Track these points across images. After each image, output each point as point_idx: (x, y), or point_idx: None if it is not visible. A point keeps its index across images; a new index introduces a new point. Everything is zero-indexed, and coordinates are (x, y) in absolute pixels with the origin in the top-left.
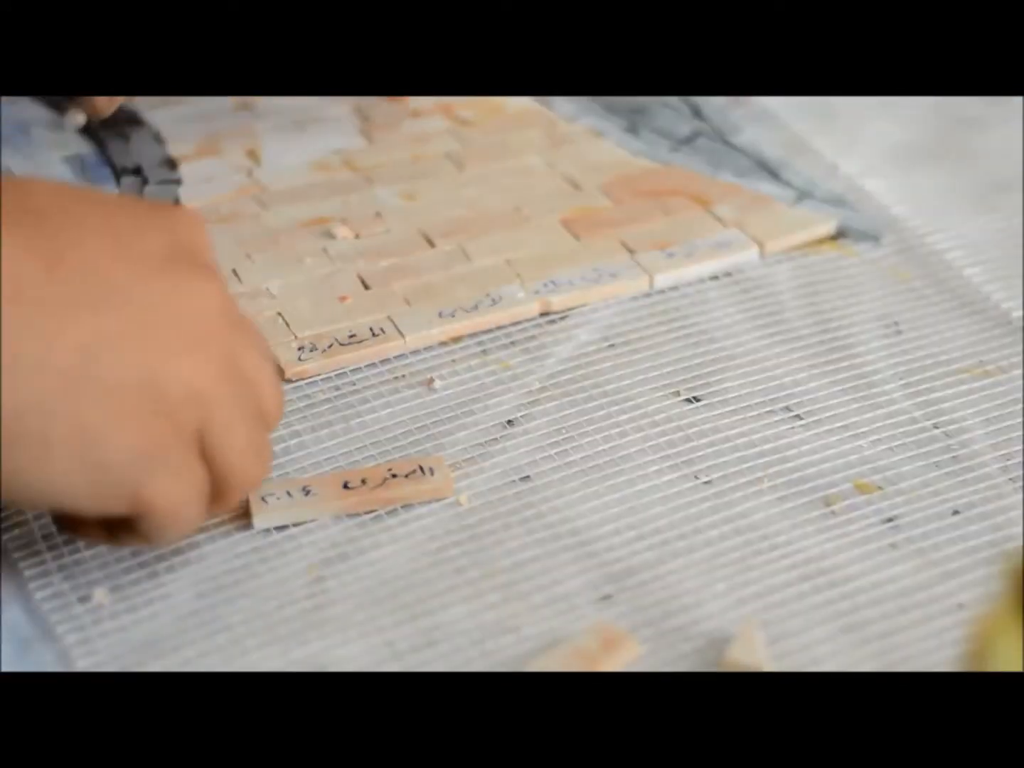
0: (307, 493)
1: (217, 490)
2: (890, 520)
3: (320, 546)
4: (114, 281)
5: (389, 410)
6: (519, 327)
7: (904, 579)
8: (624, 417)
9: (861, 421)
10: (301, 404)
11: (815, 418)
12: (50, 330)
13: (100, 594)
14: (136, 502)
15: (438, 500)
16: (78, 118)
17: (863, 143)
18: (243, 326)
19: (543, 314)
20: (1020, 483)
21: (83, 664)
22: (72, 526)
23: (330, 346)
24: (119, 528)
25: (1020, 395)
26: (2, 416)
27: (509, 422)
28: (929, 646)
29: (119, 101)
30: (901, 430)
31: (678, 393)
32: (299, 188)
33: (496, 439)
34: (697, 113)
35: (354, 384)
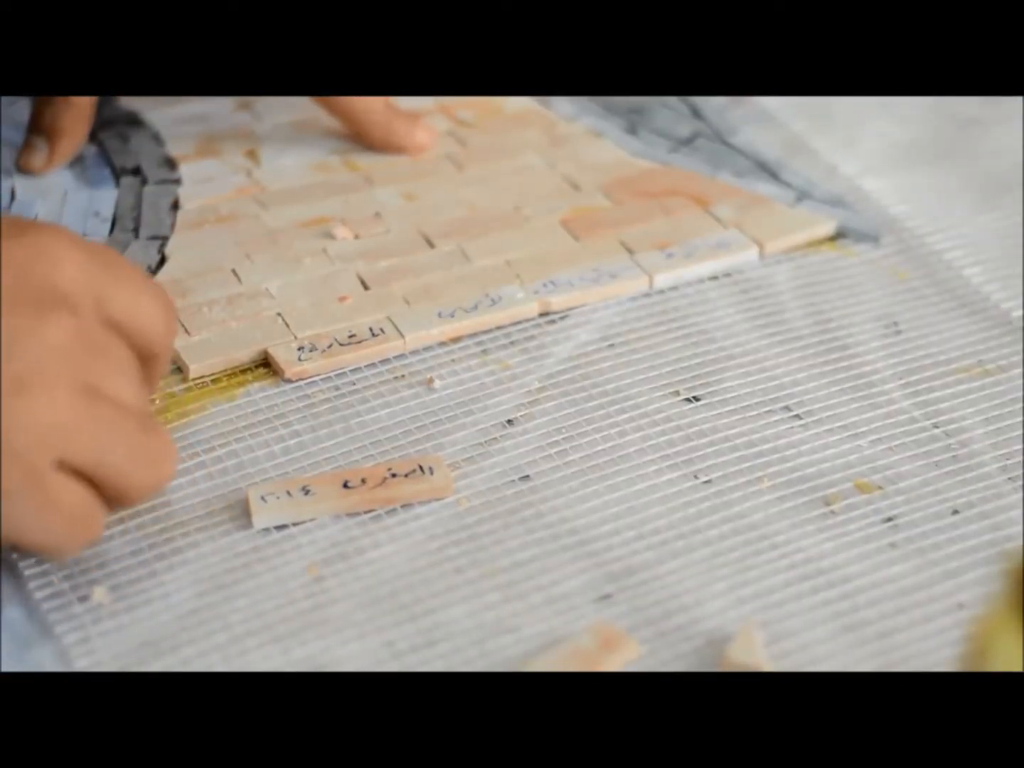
0: (307, 493)
1: (114, 496)
2: (890, 520)
3: (320, 546)
4: None
5: (389, 410)
6: (519, 327)
7: (904, 579)
8: (624, 417)
9: (861, 421)
10: (301, 404)
11: (815, 418)
12: None
13: (99, 593)
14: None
15: (438, 500)
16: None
17: (862, 143)
18: (107, 342)
19: (543, 314)
20: (1020, 482)
21: (82, 663)
22: None
23: (330, 346)
24: None
25: (1020, 395)
26: None
27: (509, 422)
28: (929, 646)
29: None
30: (901, 430)
31: (678, 393)
32: (299, 188)
33: (496, 439)
34: (696, 113)
35: (354, 384)
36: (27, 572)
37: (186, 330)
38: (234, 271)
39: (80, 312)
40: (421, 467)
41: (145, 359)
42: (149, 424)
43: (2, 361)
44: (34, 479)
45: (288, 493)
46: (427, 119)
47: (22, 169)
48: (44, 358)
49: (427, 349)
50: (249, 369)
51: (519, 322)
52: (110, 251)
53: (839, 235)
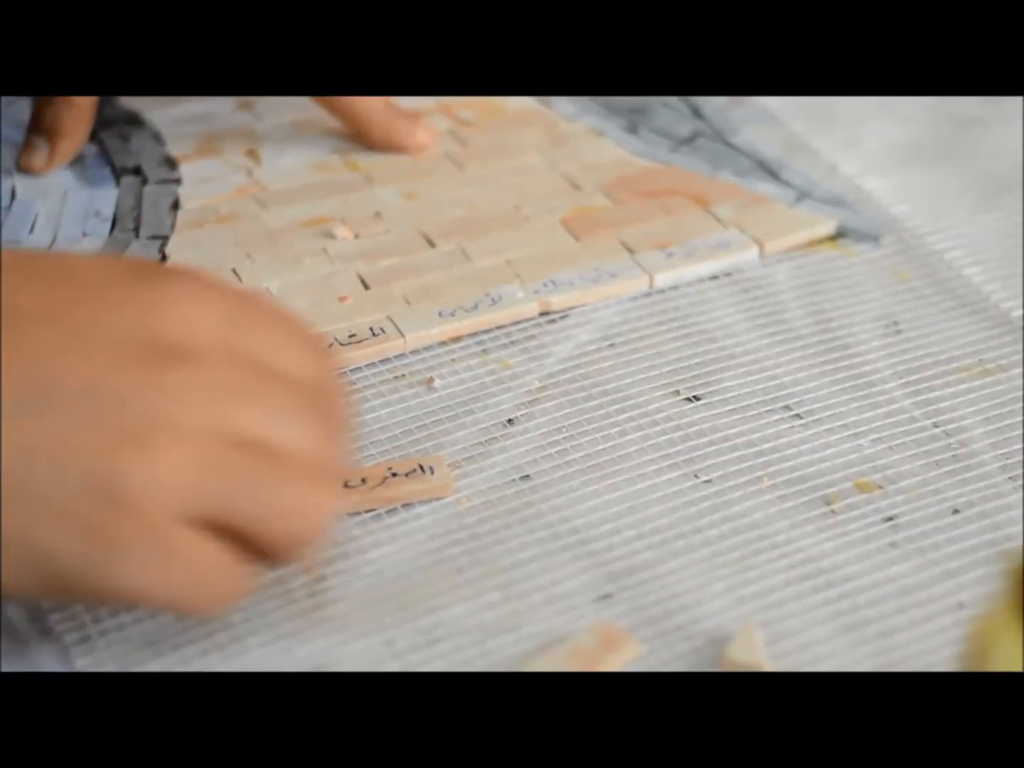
0: None
1: (261, 550)
2: (890, 519)
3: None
4: (70, 380)
5: (389, 409)
6: (519, 327)
7: (904, 578)
8: (624, 416)
9: (861, 420)
10: None
11: (815, 417)
12: None
13: None
14: (101, 595)
15: (438, 499)
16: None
17: (863, 143)
18: (247, 392)
19: (543, 314)
20: (1020, 482)
21: (82, 663)
22: None
23: (330, 346)
24: None
25: (1020, 394)
26: None
27: (509, 421)
28: (929, 645)
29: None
30: (901, 429)
31: (678, 392)
32: (299, 188)
33: (496, 438)
34: (697, 113)
35: (354, 384)
36: None
37: None
38: (234, 271)
39: (210, 360)
40: (421, 466)
41: (314, 396)
42: (304, 470)
43: (116, 416)
44: (154, 535)
45: None
46: (427, 118)
47: (23, 169)
48: (163, 411)
49: (427, 349)
50: None
51: (519, 322)
52: (250, 295)
53: (839, 235)
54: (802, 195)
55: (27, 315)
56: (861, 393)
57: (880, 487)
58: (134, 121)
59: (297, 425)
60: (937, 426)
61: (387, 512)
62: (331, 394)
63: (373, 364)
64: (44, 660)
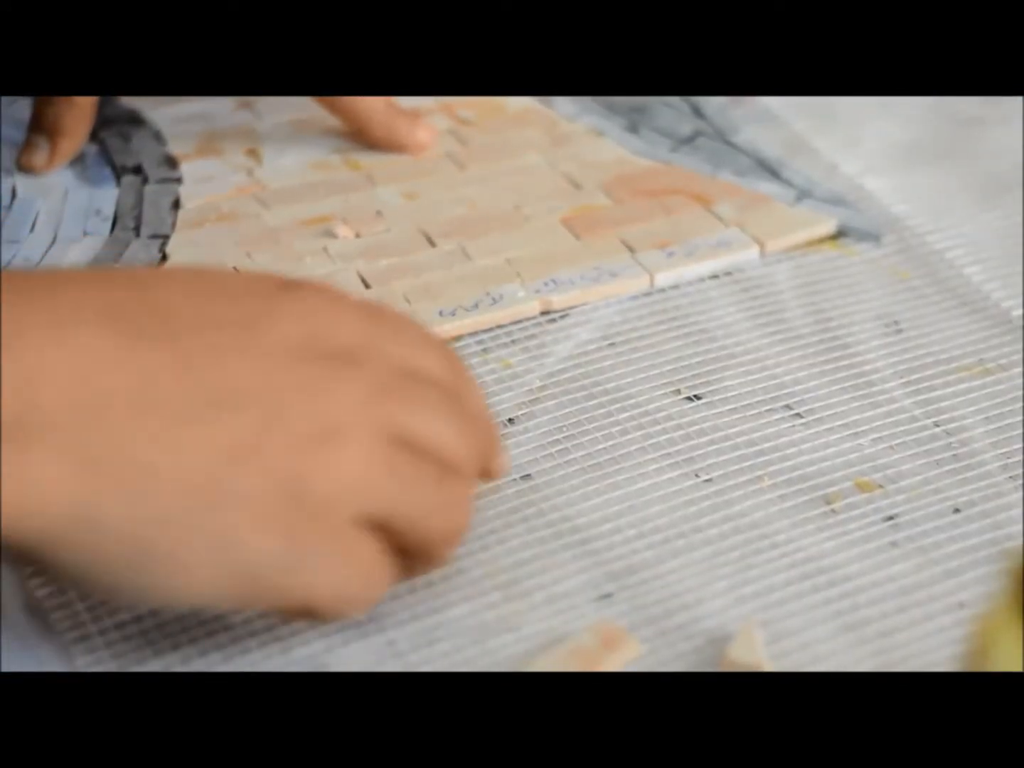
0: None
1: (414, 554)
2: (890, 518)
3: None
4: (245, 382)
5: None
6: (520, 326)
7: (904, 577)
8: (625, 415)
9: (861, 419)
10: None
11: (815, 416)
12: (183, 441)
13: None
14: (293, 599)
15: None
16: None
17: (863, 143)
18: (404, 392)
19: (543, 313)
20: (1020, 481)
21: (83, 662)
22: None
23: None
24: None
25: (1020, 393)
26: (136, 529)
27: (510, 420)
28: (929, 645)
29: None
30: (901, 428)
31: (679, 391)
32: (299, 187)
33: None
34: (697, 112)
35: None
36: (28, 570)
37: None
38: (235, 270)
39: (367, 362)
40: None
41: (455, 395)
42: (454, 468)
43: (294, 417)
44: (336, 535)
45: None
46: (428, 118)
47: (23, 168)
48: (343, 409)
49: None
50: None
51: (520, 321)
52: (376, 303)
53: (840, 234)
54: (803, 194)
55: (192, 325)
56: (861, 392)
57: (881, 486)
58: (135, 120)
59: (447, 424)
60: (938, 425)
61: None
62: (469, 392)
63: None
64: (45, 659)
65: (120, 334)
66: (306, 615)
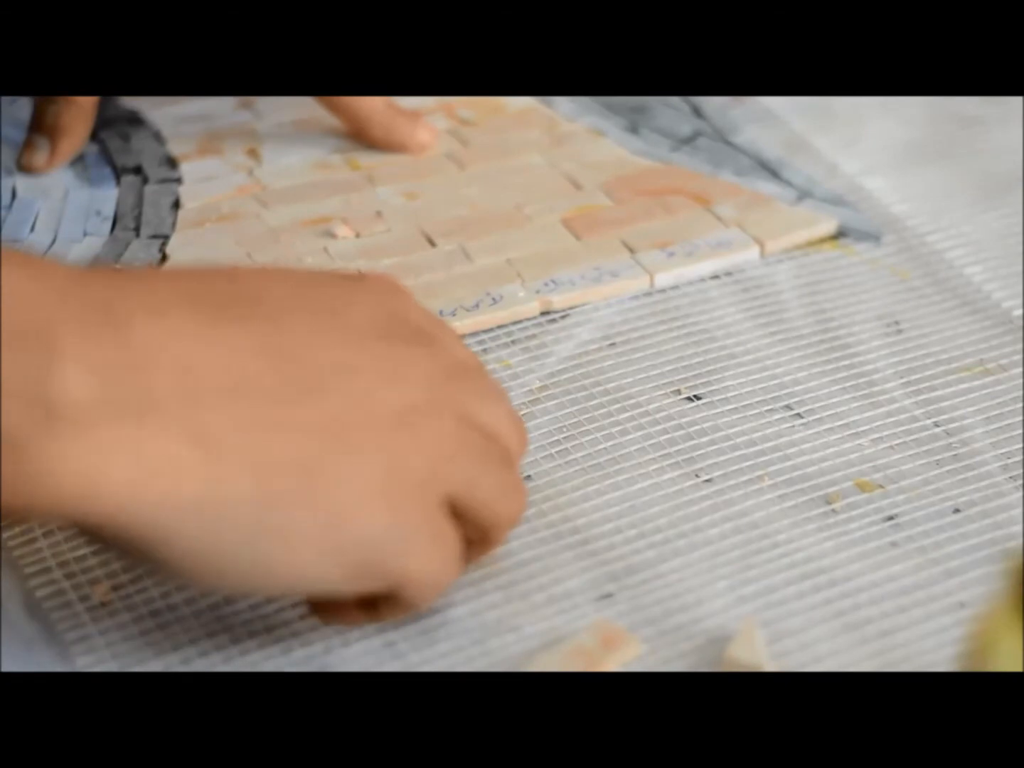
0: None
1: (476, 539)
2: (891, 518)
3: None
4: (336, 362)
5: None
6: (520, 326)
7: (905, 577)
8: (625, 415)
9: (862, 420)
10: None
11: (816, 416)
12: (286, 421)
13: (101, 592)
14: (392, 577)
15: None
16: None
17: (863, 143)
18: (468, 375)
19: (544, 313)
20: (1020, 481)
21: (83, 663)
22: (329, 610)
23: None
24: (376, 603)
25: (1020, 394)
26: (253, 511)
27: None
28: (929, 645)
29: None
30: (902, 428)
31: (679, 391)
32: (300, 187)
33: None
34: (697, 112)
35: None
36: (28, 570)
37: None
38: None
39: (435, 344)
40: None
41: (500, 388)
42: (508, 454)
43: (389, 391)
44: (428, 513)
45: None
46: (428, 118)
47: (23, 168)
48: (423, 387)
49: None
50: None
51: (520, 321)
52: None
53: (840, 234)
54: (803, 194)
55: (281, 310)
56: (862, 392)
57: (881, 486)
58: (135, 120)
59: (504, 409)
60: (938, 425)
61: None
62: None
63: None
64: (45, 659)
65: (217, 320)
66: (380, 603)
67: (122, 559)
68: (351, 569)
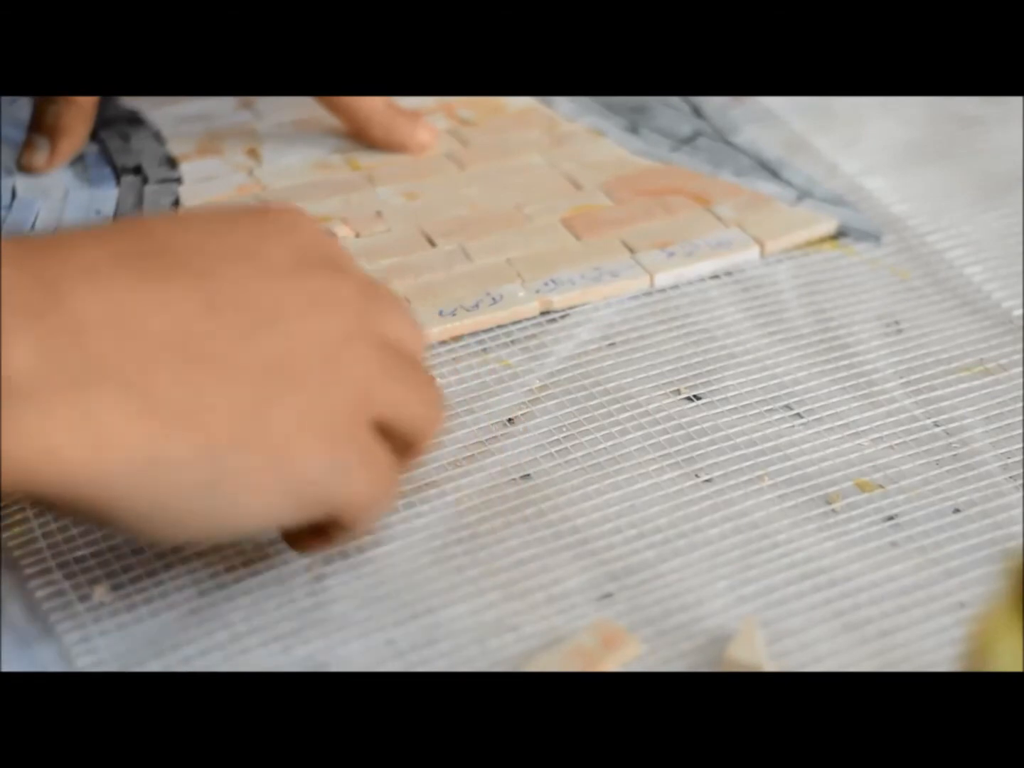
0: None
1: (404, 449)
2: (891, 518)
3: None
4: (264, 306)
5: None
6: (520, 326)
7: (905, 577)
8: (625, 415)
9: (862, 419)
10: None
11: (816, 416)
12: (225, 371)
13: (100, 592)
14: (334, 506)
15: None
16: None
17: (863, 143)
18: (376, 294)
19: (544, 313)
20: (1020, 481)
21: (83, 663)
22: (288, 540)
23: None
24: (327, 529)
25: (1020, 393)
26: (202, 463)
27: (510, 420)
28: (929, 645)
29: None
30: (902, 428)
31: (679, 391)
32: (300, 187)
33: (496, 437)
34: (697, 112)
35: None
36: (28, 571)
37: None
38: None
39: (347, 269)
40: None
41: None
42: (416, 362)
43: (317, 326)
44: (361, 439)
45: None
46: (428, 118)
47: (23, 168)
48: (346, 318)
49: (428, 348)
50: None
51: (520, 321)
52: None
53: (840, 234)
54: (803, 194)
55: (204, 262)
56: (862, 392)
57: (881, 486)
58: (135, 120)
59: (406, 318)
60: (938, 425)
61: None
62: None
63: None
64: (45, 660)
65: (147, 279)
66: (329, 529)
67: (79, 524)
68: (297, 504)
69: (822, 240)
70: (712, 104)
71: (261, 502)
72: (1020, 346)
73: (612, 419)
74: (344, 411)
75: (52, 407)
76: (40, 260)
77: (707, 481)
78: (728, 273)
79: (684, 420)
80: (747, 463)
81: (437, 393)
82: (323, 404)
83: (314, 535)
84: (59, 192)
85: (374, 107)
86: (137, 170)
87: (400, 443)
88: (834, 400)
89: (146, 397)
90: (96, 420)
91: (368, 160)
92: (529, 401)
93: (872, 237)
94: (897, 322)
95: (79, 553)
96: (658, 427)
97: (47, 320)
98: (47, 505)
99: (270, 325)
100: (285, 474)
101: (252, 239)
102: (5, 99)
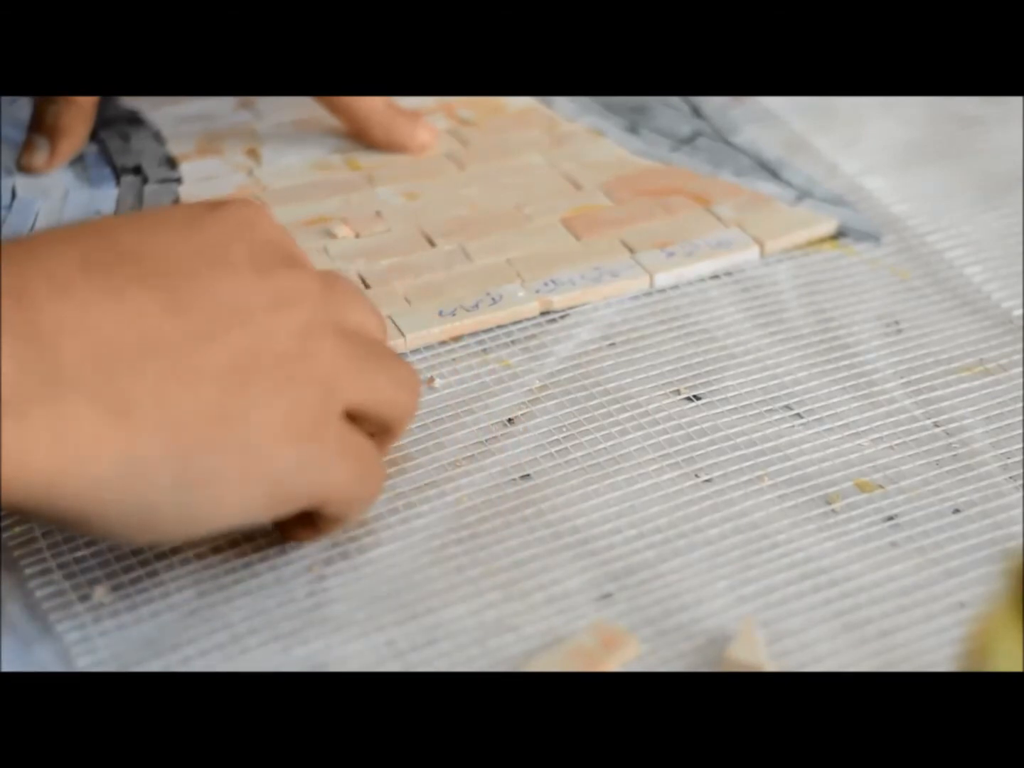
0: None
1: (384, 434)
2: (891, 519)
3: (321, 544)
4: (226, 305)
5: None
6: (520, 326)
7: (904, 577)
8: (624, 415)
9: (861, 420)
10: None
11: (815, 416)
12: (192, 373)
13: (100, 592)
14: (313, 499)
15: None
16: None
17: (863, 143)
18: (333, 284)
19: (544, 313)
20: (1020, 481)
21: (83, 663)
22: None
23: None
24: (315, 520)
25: (1020, 394)
26: (175, 465)
27: (509, 420)
28: (929, 645)
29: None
30: (902, 429)
31: (679, 391)
32: (300, 187)
33: (496, 437)
34: (697, 112)
35: None
36: (27, 571)
37: None
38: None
39: (304, 263)
40: None
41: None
42: (381, 346)
43: (281, 322)
44: (335, 430)
45: None
46: (428, 118)
47: (23, 168)
48: (309, 310)
49: (428, 348)
50: None
51: (520, 321)
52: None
53: (840, 234)
54: (803, 194)
55: (167, 264)
56: (862, 392)
57: (881, 486)
58: (134, 121)
59: (365, 304)
60: (938, 426)
61: (388, 511)
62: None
63: None
64: (45, 660)
65: (113, 283)
66: (318, 521)
67: (62, 531)
68: (272, 499)
69: (822, 240)
70: (712, 104)
71: (235, 499)
72: (1020, 346)
73: (612, 419)
74: (314, 403)
75: (25, 418)
76: (6, 267)
77: (707, 481)
78: (728, 273)
79: (684, 420)
80: (747, 463)
81: (408, 373)
82: (292, 398)
83: (305, 526)
84: (59, 192)
85: (374, 107)
86: (137, 170)
87: (378, 428)
88: (834, 400)
89: (114, 404)
90: (66, 429)
91: (368, 160)
92: (529, 401)
93: (872, 237)
94: (897, 322)
95: (79, 553)
96: (658, 427)
97: (19, 333)
98: (23, 514)
99: (237, 325)
100: (258, 471)
101: (215, 239)
102: (5, 99)
